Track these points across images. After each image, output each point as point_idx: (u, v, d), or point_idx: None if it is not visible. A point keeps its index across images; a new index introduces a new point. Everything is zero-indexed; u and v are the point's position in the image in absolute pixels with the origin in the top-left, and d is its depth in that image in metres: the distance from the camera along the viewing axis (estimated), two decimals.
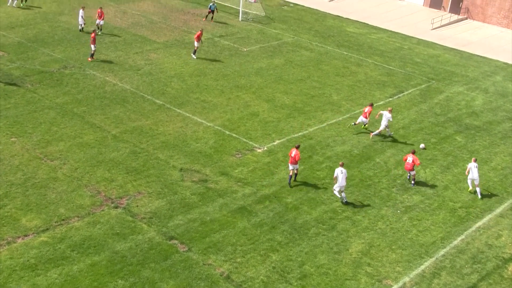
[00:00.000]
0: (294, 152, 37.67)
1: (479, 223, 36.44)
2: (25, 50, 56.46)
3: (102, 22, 62.28)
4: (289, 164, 38.04)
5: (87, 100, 47.23)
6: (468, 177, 39.11)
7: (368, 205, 37.13)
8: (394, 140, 45.21)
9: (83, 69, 53.11)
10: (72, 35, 61.35)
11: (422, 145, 44.54)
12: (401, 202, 37.66)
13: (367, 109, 45.11)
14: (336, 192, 37.01)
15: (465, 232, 35.45)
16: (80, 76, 51.73)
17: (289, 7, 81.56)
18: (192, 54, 58.77)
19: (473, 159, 39.73)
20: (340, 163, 37.02)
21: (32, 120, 43.34)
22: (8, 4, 68.55)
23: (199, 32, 58.62)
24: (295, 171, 38.41)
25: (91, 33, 56.07)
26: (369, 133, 45.67)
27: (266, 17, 74.47)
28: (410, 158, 39.16)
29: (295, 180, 38.53)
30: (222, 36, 65.53)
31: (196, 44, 58.47)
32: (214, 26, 68.61)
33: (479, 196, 38.71)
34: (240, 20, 72.33)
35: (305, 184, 38.70)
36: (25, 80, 49.82)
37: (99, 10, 61.73)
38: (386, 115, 44.55)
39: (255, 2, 77.17)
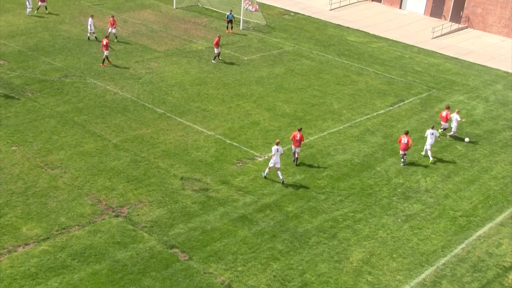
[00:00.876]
0: (298, 135, 40.73)
1: (480, 232, 36.43)
2: (25, 58, 56.58)
3: (114, 31, 62.74)
4: (293, 146, 41.71)
5: (87, 109, 47.31)
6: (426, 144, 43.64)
7: (369, 214, 37.13)
8: (394, 149, 45.23)
9: (84, 78, 53.20)
10: (72, 44, 61.49)
11: (467, 139, 47.04)
12: (402, 211, 37.66)
13: (444, 113, 45.91)
14: (267, 170, 39.62)
15: (466, 241, 35.44)
16: (81, 85, 51.81)
17: (289, 16, 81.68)
18: (212, 60, 60.61)
19: (431, 126, 43.51)
20: (276, 141, 39.17)
21: (33, 129, 43.40)
22: (27, 13, 69.34)
23: (217, 38, 60.05)
24: (297, 155, 41.76)
25: (102, 40, 56.41)
26: (444, 136, 47.45)
27: (267, 26, 74.57)
28: (404, 139, 42.12)
29: (296, 164, 41.69)
30: (223, 44, 65.57)
31: (216, 50, 60.17)
32: (214, 35, 68.65)
33: (430, 159, 43.48)
34: (241, 29, 72.43)
35: (306, 192, 38.72)
36: (26, 89, 49.91)
37: (111, 19, 62.21)
38: (455, 117, 46.58)
39: (255, 11, 77.37)
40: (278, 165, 39.27)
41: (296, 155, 41.73)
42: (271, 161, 39.17)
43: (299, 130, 41.14)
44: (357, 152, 44.64)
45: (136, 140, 43.15)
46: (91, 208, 35.09)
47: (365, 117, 50.74)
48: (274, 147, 38.87)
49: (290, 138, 41.76)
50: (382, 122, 50.02)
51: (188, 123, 46.47)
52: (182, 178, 39.01)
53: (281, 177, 39.24)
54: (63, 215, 34.20)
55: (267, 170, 39.68)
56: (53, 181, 37.40)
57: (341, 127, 48.51)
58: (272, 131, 46.54)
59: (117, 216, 34.62)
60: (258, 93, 53.72)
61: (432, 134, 43.57)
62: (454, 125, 47.14)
